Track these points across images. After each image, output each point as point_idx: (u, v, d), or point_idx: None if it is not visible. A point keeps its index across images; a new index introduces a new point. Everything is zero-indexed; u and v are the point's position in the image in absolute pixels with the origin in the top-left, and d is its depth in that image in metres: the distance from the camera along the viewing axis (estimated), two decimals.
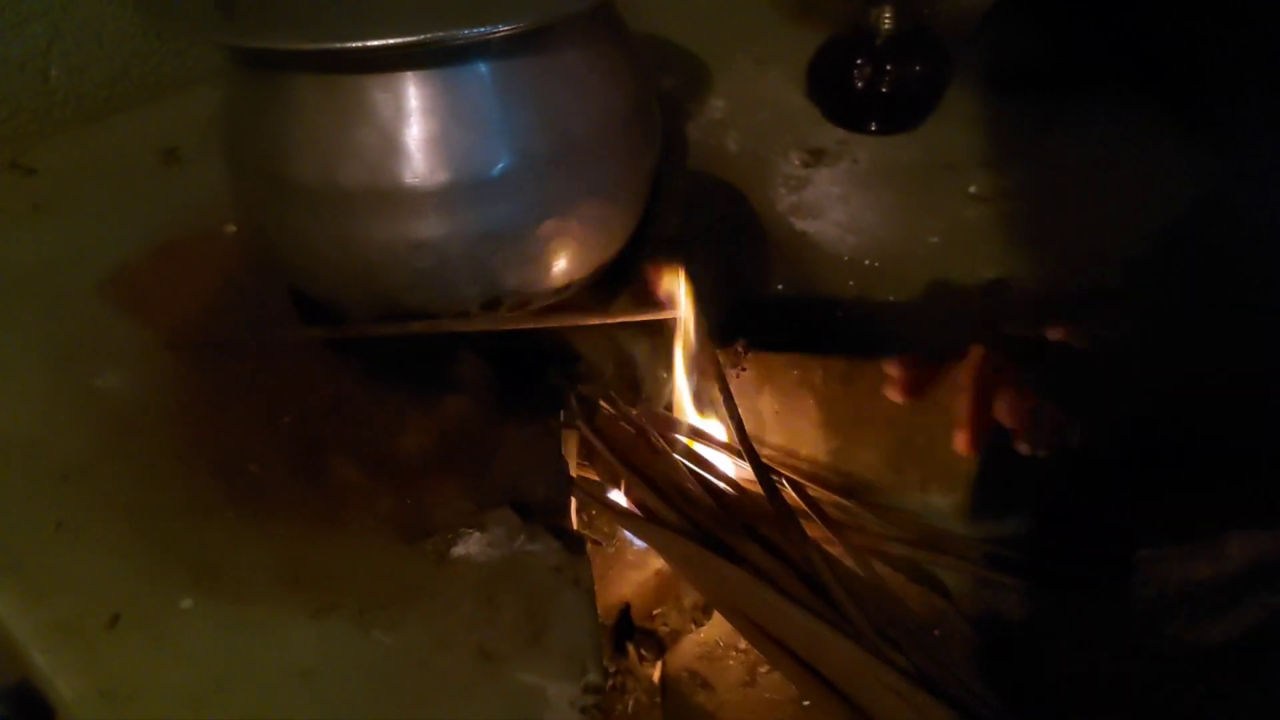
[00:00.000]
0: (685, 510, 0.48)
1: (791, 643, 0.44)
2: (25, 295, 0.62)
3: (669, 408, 0.57)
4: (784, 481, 0.54)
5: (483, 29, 0.43)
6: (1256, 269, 0.63)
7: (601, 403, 0.54)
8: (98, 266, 0.63)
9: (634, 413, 0.54)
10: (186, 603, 0.44)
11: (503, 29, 0.44)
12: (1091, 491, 0.55)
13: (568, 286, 0.55)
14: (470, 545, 0.46)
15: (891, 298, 0.64)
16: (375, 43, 0.43)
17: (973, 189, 0.72)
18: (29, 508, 0.48)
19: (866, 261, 0.66)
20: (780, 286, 0.65)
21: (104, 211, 0.68)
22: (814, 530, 0.50)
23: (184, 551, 0.46)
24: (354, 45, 0.43)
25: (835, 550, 0.49)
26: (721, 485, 0.51)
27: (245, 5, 0.50)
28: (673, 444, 0.53)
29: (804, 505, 0.53)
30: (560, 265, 0.53)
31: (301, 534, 0.46)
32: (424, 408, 0.47)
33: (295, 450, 0.49)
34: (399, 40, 0.43)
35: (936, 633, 0.53)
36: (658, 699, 0.50)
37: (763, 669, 0.51)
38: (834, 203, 0.71)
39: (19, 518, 0.48)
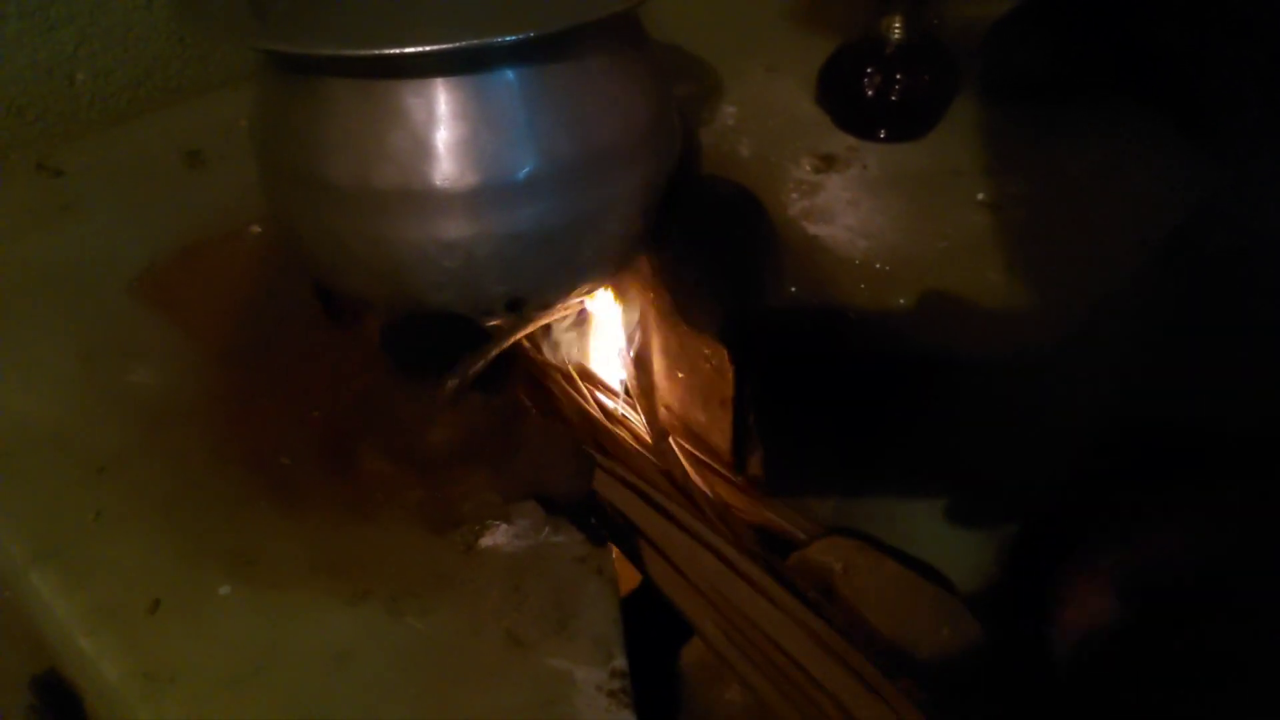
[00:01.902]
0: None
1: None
2: (56, 294, 0.63)
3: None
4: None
5: (512, 37, 0.45)
6: (1257, 277, 0.65)
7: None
8: (126, 266, 0.65)
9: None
10: (224, 589, 0.45)
11: (531, 36, 0.45)
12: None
13: (590, 288, 0.57)
14: (497, 536, 0.47)
15: (902, 300, 0.65)
16: (410, 49, 0.44)
17: (980, 196, 0.73)
18: (67, 498, 0.50)
19: (877, 265, 0.68)
20: (793, 289, 0.66)
21: (131, 212, 0.70)
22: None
23: (220, 540, 0.47)
24: (390, 52, 0.44)
25: None
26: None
27: (279, 9, 0.52)
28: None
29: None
30: (584, 267, 0.54)
31: (334, 524, 0.48)
32: (451, 402, 0.49)
33: (325, 443, 0.51)
34: (433, 48, 0.44)
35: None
36: None
37: None
38: (845, 208, 0.73)
39: (58, 507, 0.49)
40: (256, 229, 0.67)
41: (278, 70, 0.52)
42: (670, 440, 0.61)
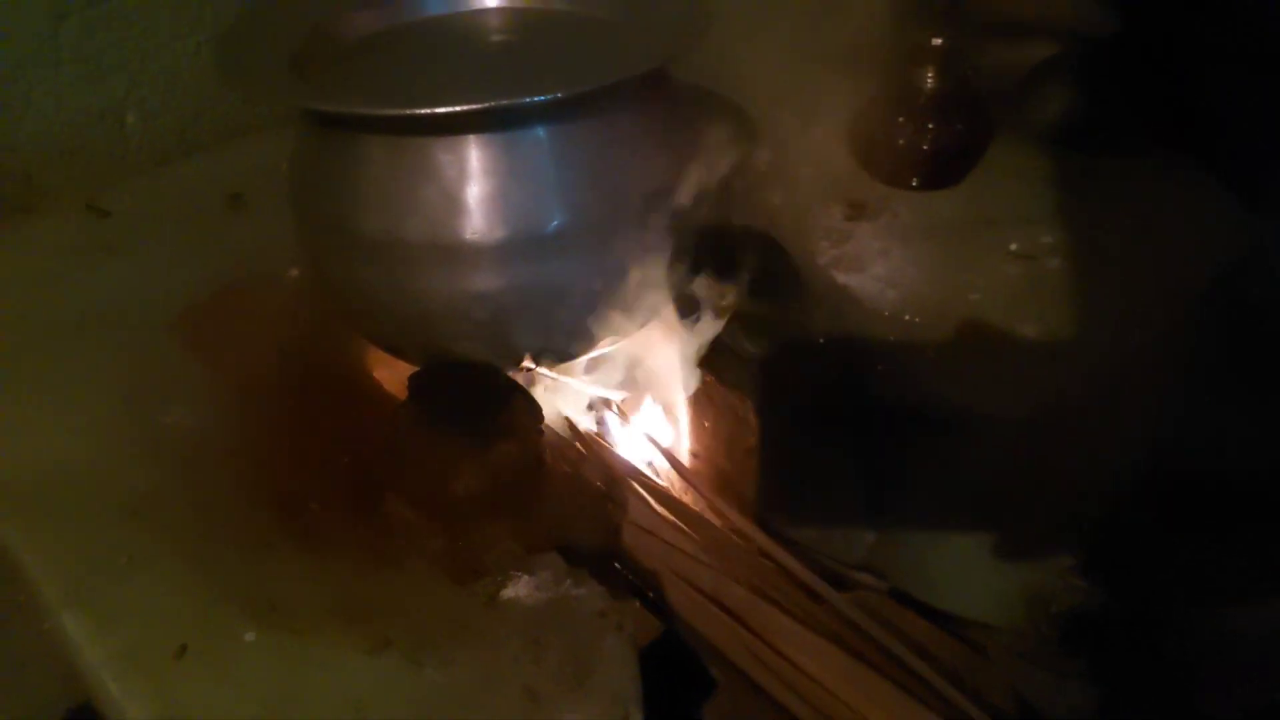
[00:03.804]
0: None
1: None
2: (97, 333, 0.65)
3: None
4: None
5: (541, 97, 0.46)
6: None
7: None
8: (166, 306, 0.66)
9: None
10: (250, 635, 0.46)
11: (559, 96, 0.46)
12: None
13: (617, 338, 0.57)
14: (519, 588, 0.48)
15: (931, 352, 0.65)
16: (443, 109, 0.45)
17: (1013, 246, 0.73)
18: (100, 540, 0.51)
19: (906, 316, 0.68)
20: (821, 339, 0.66)
21: (173, 253, 0.72)
22: None
23: (247, 585, 0.48)
24: (423, 111, 0.45)
25: None
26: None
27: (318, 68, 0.54)
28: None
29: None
30: (610, 319, 0.55)
31: (358, 571, 0.48)
32: (476, 453, 0.49)
33: (353, 490, 0.52)
34: (465, 107, 0.45)
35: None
36: None
37: None
38: (875, 257, 0.73)
39: (91, 550, 0.50)
40: (295, 272, 0.68)
41: (315, 126, 0.53)
42: (697, 488, 0.62)
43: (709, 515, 0.59)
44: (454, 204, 0.49)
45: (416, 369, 0.54)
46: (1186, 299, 0.68)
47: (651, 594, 0.54)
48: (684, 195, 0.55)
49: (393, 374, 0.60)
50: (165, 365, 0.62)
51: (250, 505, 0.52)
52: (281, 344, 0.63)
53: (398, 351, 0.57)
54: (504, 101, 0.46)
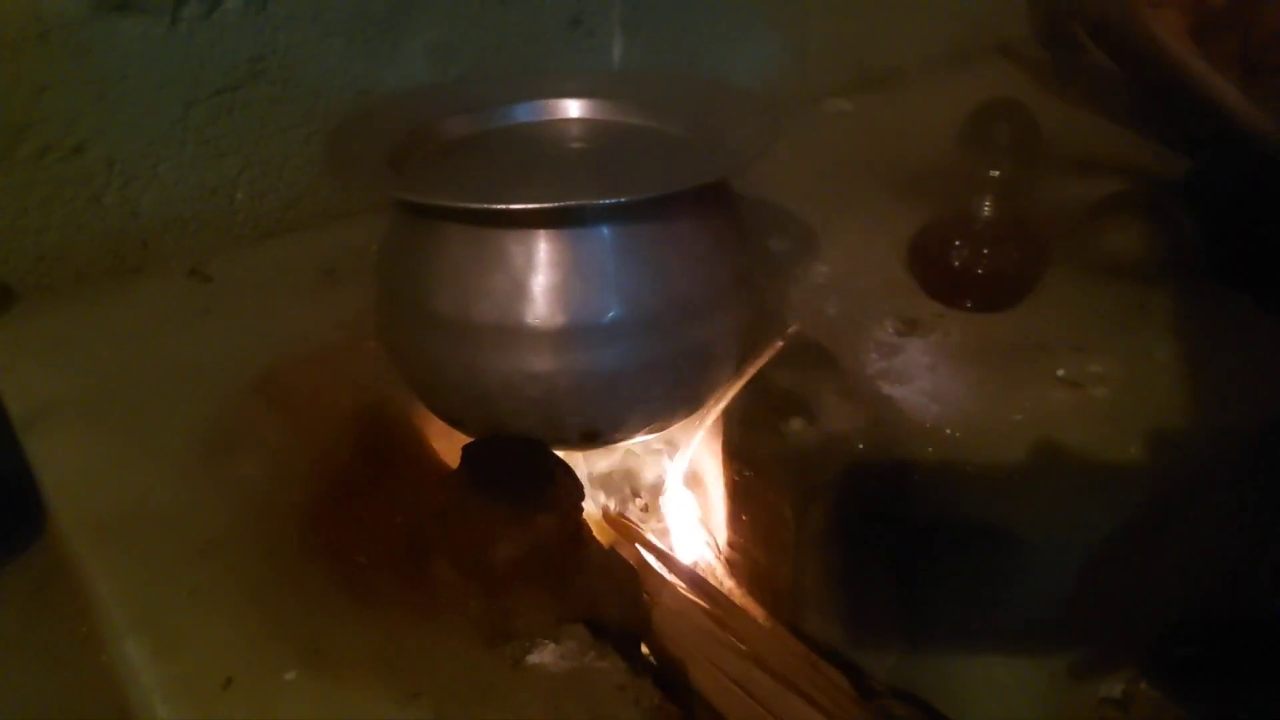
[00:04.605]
0: None
1: None
2: (187, 387, 0.70)
3: None
4: None
5: (605, 200, 0.51)
6: None
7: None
8: (252, 367, 0.71)
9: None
10: (290, 675, 0.49)
11: (621, 201, 0.51)
12: None
13: (662, 426, 0.60)
14: (545, 654, 0.50)
15: (969, 469, 0.67)
16: (517, 206, 0.50)
17: (1060, 372, 0.74)
18: (169, 574, 0.55)
19: (948, 431, 0.69)
20: (861, 446, 0.68)
21: (264, 319, 0.78)
22: None
23: (294, 628, 0.51)
24: (499, 206, 0.50)
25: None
26: None
27: (413, 164, 0.59)
28: None
29: None
30: (655, 407, 0.58)
31: (398, 624, 0.52)
32: (519, 522, 0.52)
33: (402, 548, 0.55)
34: (537, 205, 0.50)
35: None
36: None
37: None
38: (922, 371, 0.75)
39: (160, 581, 0.55)
40: (371, 345, 0.73)
41: (405, 214, 0.59)
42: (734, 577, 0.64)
43: (742, 604, 0.60)
44: (520, 291, 0.54)
45: (471, 440, 0.58)
46: (1232, 437, 0.68)
47: (675, 678, 0.56)
48: (735, 298, 0.59)
49: (449, 445, 0.64)
50: (245, 421, 0.67)
51: (308, 554, 0.56)
52: (352, 410, 0.67)
53: (457, 423, 0.61)
54: (572, 202, 0.51)
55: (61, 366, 0.73)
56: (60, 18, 0.74)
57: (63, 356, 0.74)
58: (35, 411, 0.68)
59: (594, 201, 0.51)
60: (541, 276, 0.54)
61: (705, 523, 0.67)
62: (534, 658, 0.50)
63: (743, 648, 0.57)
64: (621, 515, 0.62)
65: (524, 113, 0.67)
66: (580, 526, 0.56)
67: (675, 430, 0.64)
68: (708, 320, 0.57)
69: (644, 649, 0.56)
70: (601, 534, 0.60)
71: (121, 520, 0.59)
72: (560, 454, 0.57)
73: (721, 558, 0.65)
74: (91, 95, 0.77)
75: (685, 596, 0.59)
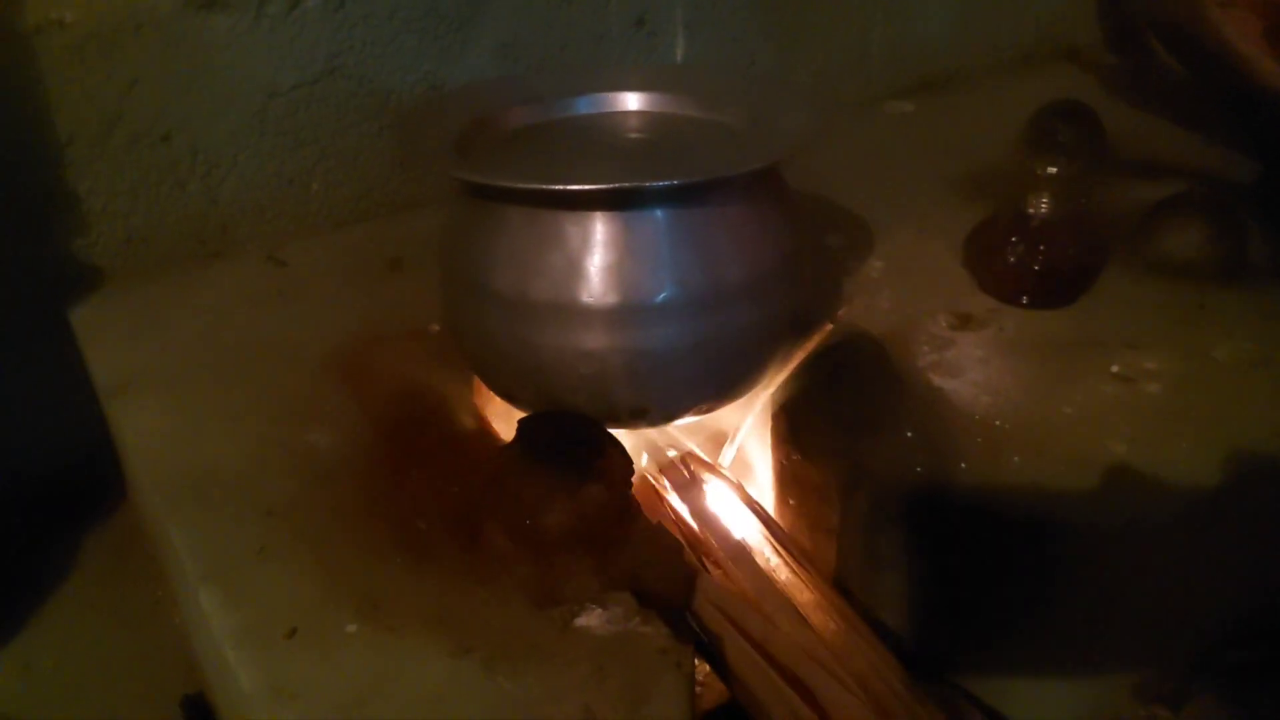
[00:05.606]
0: None
1: None
2: (261, 361, 0.74)
3: None
4: None
5: (658, 183, 0.53)
6: None
7: None
8: (322, 347, 0.75)
9: None
10: (351, 627, 0.52)
11: (674, 184, 0.53)
12: None
13: (711, 406, 0.62)
14: (591, 618, 0.52)
15: (1016, 459, 0.67)
16: (575, 187, 0.53)
17: (1115, 368, 0.74)
18: (240, 533, 0.58)
19: (997, 422, 0.69)
20: (909, 433, 0.69)
21: (335, 303, 0.81)
22: None
23: (356, 585, 0.54)
24: (558, 188, 0.53)
25: None
26: None
27: (477, 151, 0.62)
28: None
29: None
30: (704, 388, 0.60)
31: (452, 585, 0.54)
32: (568, 492, 0.54)
33: (457, 514, 0.58)
34: (593, 187, 0.53)
35: None
36: None
37: None
38: (974, 364, 0.75)
39: (230, 540, 0.58)
40: (435, 328, 0.76)
41: (467, 196, 0.61)
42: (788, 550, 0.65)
43: (789, 581, 0.62)
44: (576, 270, 0.56)
45: (526, 415, 0.61)
46: None
47: (713, 652, 0.58)
48: (783, 283, 0.60)
49: (506, 426, 0.67)
50: (314, 395, 0.70)
51: (369, 518, 0.58)
52: (414, 388, 0.70)
53: (512, 399, 0.63)
54: (627, 184, 0.53)
55: (145, 341, 0.77)
56: (153, 14, 0.78)
57: (146, 333, 0.78)
58: (119, 384, 0.72)
59: (648, 184, 0.53)
60: (596, 257, 0.56)
61: (752, 504, 0.68)
62: (581, 621, 0.52)
63: (783, 626, 0.59)
64: (674, 487, 0.64)
65: (584, 104, 0.70)
66: (628, 499, 0.57)
67: (725, 412, 0.66)
68: (758, 304, 0.59)
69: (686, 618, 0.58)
70: (649, 508, 0.62)
71: (197, 483, 0.62)
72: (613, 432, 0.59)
73: (768, 539, 0.66)
74: (179, 87, 0.82)
75: (729, 573, 0.61)
